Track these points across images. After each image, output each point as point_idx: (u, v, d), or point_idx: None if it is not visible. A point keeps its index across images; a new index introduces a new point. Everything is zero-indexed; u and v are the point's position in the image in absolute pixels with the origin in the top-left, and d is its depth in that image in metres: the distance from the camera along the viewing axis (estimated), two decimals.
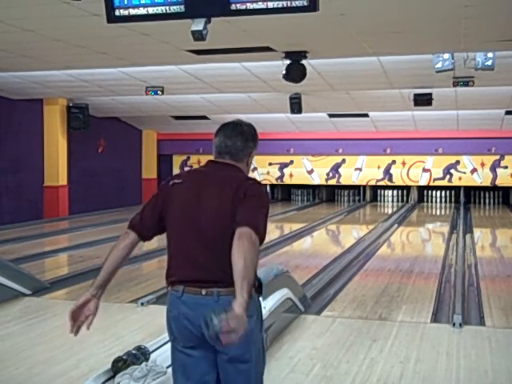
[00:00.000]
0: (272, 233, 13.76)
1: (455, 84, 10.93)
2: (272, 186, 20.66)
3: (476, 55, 9.35)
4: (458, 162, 18.96)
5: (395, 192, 20.15)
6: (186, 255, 2.57)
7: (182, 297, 2.55)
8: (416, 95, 12.62)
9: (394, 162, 19.42)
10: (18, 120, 14.80)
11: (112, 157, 18.22)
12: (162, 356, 3.75)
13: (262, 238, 2.49)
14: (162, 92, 12.62)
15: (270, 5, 4.97)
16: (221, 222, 2.52)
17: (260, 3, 4.99)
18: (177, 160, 20.93)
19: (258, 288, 2.60)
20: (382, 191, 20.32)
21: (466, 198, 19.28)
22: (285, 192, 20.96)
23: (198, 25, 5.31)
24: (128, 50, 9.28)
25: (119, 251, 2.68)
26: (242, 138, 2.68)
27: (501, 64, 9.45)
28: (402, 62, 10.28)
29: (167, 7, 5.18)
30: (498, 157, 18.63)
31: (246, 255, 2.37)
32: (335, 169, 19.85)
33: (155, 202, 2.70)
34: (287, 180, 20.28)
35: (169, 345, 3.79)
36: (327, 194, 20.55)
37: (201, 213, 2.55)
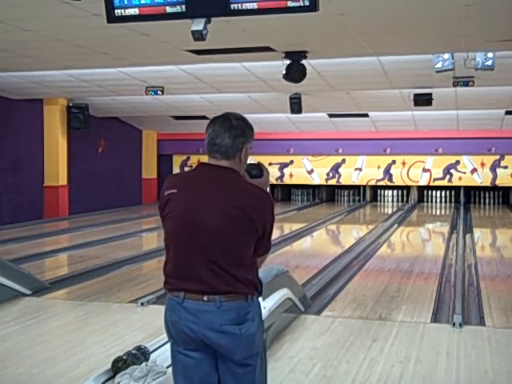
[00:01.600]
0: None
1: (455, 84, 10.93)
2: (272, 186, 20.66)
3: (476, 55, 9.35)
4: (458, 162, 18.96)
5: (395, 192, 20.15)
6: (187, 268, 2.51)
7: (183, 303, 2.50)
8: (416, 95, 12.62)
9: (394, 162, 19.42)
10: (18, 120, 14.80)
11: (112, 157, 18.22)
12: (162, 356, 3.76)
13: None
14: (162, 92, 12.62)
15: (270, 5, 4.97)
16: (223, 237, 2.47)
17: (260, 3, 4.99)
18: (177, 160, 20.93)
19: (260, 290, 2.61)
20: (382, 191, 20.32)
21: (466, 198, 19.27)
22: (285, 192, 20.96)
23: (198, 25, 5.30)
24: (128, 50, 9.28)
25: None
26: (230, 134, 2.51)
27: (501, 64, 9.45)
28: (402, 62, 10.27)
29: (167, 7, 5.19)
30: (497, 157, 18.63)
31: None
32: (335, 169, 19.85)
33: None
34: (287, 180, 20.28)
35: (169, 345, 3.80)
36: (327, 194, 20.55)
37: (201, 226, 2.47)
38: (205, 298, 2.46)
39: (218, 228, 2.46)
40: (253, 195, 2.52)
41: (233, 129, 2.52)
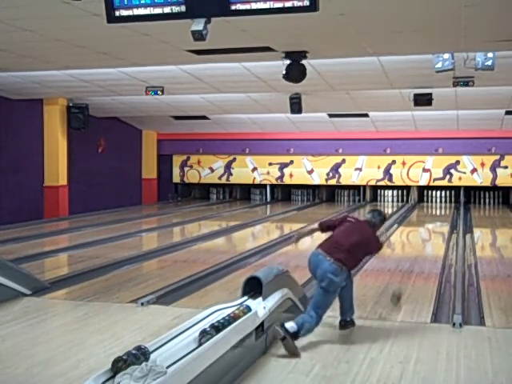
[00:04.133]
0: (272, 233, 13.77)
1: (455, 84, 10.93)
2: (272, 185, 20.68)
3: (476, 55, 9.35)
4: (458, 162, 18.97)
5: (395, 192, 20.15)
6: (334, 245, 5.26)
7: (318, 255, 5.21)
8: (416, 95, 12.62)
9: (394, 161, 19.42)
10: (18, 120, 14.81)
11: (112, 157, 18.22)
12: (162, 356, 3.75)
13: (382, 245, 5.62)
14: (162, 92, 12.62)
15: (270, 5, 4.97)
16: (355, 240, 5.27)
17: (260, 3, 5.00)
18: (177, 160, 20.92)
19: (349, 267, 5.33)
20: (382, 191, 20.32)
21: (466, 198, 19.27)
22: (285, 192, 20.96)
23: (198, 25, 5.32)
24: (128, 50, 9.29)
25: None
26: (380, 220, 5.64)
27: (501, 64, 9.46)
28: (402, 62, 10.28)
29: (167, 7, 5.19)
30: (497, 157, 18.63)
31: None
32: (335, 169, 19.85)
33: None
34: (287, 180, 20.28)
35: (168, 345, 3.83)
36: (327, 194, 20.55)
37: (351, 232, 5.37)
38: (327, 257, 5.14)
39: (357, 234, 5.35)
40: (374, 233, 5.52)
41: (382, 219, 5.68)
